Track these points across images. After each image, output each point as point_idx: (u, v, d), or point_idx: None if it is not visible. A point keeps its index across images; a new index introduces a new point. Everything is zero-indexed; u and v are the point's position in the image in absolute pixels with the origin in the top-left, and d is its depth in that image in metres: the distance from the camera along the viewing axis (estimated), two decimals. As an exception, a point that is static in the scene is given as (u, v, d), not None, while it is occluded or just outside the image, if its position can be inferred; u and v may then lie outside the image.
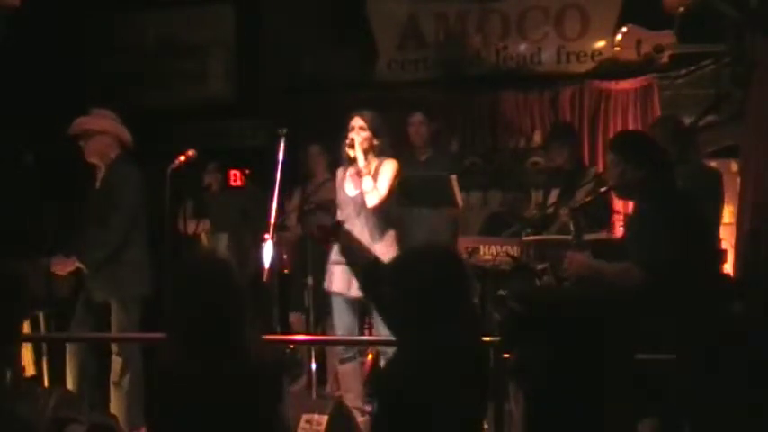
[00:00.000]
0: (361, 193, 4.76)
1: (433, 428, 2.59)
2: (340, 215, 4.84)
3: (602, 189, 4.47)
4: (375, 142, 4.79)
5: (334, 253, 4.86)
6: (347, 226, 4.75)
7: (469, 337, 2.80)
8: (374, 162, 4.79)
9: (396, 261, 3.05)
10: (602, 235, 4.97)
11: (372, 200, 4.71)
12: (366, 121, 4.79)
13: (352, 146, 4.76)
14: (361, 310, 4.88)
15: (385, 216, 4.81)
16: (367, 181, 4.72)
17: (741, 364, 2.05)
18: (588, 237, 4.54)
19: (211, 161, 6.39)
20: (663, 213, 3.67)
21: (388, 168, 4.77)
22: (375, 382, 2.92)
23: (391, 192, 4.77)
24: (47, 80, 6.47)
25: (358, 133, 4.77)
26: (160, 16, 7.48)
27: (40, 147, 5.93)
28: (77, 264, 4.87)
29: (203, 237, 6.31)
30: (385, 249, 4.54)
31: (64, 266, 4.89)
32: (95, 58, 7.33)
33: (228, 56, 7.40)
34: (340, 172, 4.96)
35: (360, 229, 4.72)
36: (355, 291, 4.76)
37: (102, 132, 4.99)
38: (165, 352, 2.84)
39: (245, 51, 7.30)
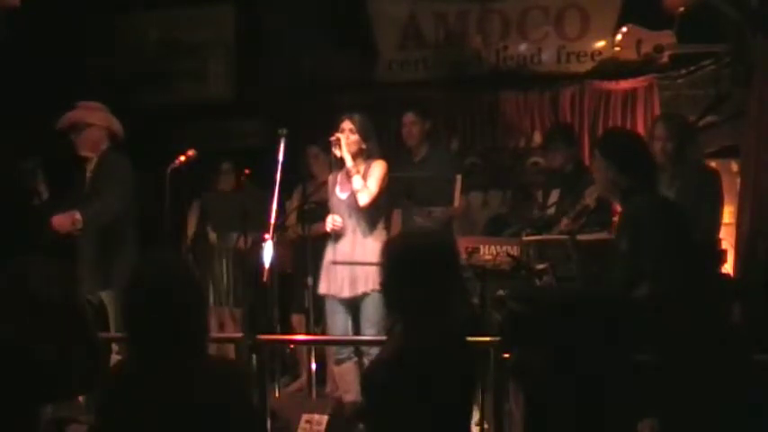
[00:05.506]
0: (352, 194, 4.79)
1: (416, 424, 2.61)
2: (332, 218, 4.87)
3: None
4: (363, 146, 4.82)
5: (329, 255, 4.88)
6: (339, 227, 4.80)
7: (457, 331, 2.81)
8: (363, 165, 4.82)
9: (383, 246, 3.07)
10: (603, 235, 4.96)
11: (364, 198, 4.75)
12: (355, 124, 4.82)
13: (338, 145, 4.78)
14: (353, 311, 4.86)
15: (376, 214, 4.85)
16: (357, 180, 4.76)
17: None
18: (587, 237, 4.55)
19: (224, 161, 6.34)
20: (650, 218, 3.65)
21: (377, 169, 4.81)
22: (363, 380, 2.90)
23: (381, 192, 4.80)
24: (47, 80, 6.46)
25: (348, 137, 4.79)
26: (160, 16, 7.47)
27: (40, 147, 5.92)
28: (77, 217, 4.84)
29: (211, 235, 6.30)
30: (375, 247, 4.55)
31: (63, 222, 4.86)
32: (95, 58, 7.32)
33: (228, 56, 7.39)
34: (331, 178, 5.01)
35: (352, 230, 4.82)
36: (347, 292, 4.78)
37: (93, 125, 5.03)
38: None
39: (245, 51, 7.29)
